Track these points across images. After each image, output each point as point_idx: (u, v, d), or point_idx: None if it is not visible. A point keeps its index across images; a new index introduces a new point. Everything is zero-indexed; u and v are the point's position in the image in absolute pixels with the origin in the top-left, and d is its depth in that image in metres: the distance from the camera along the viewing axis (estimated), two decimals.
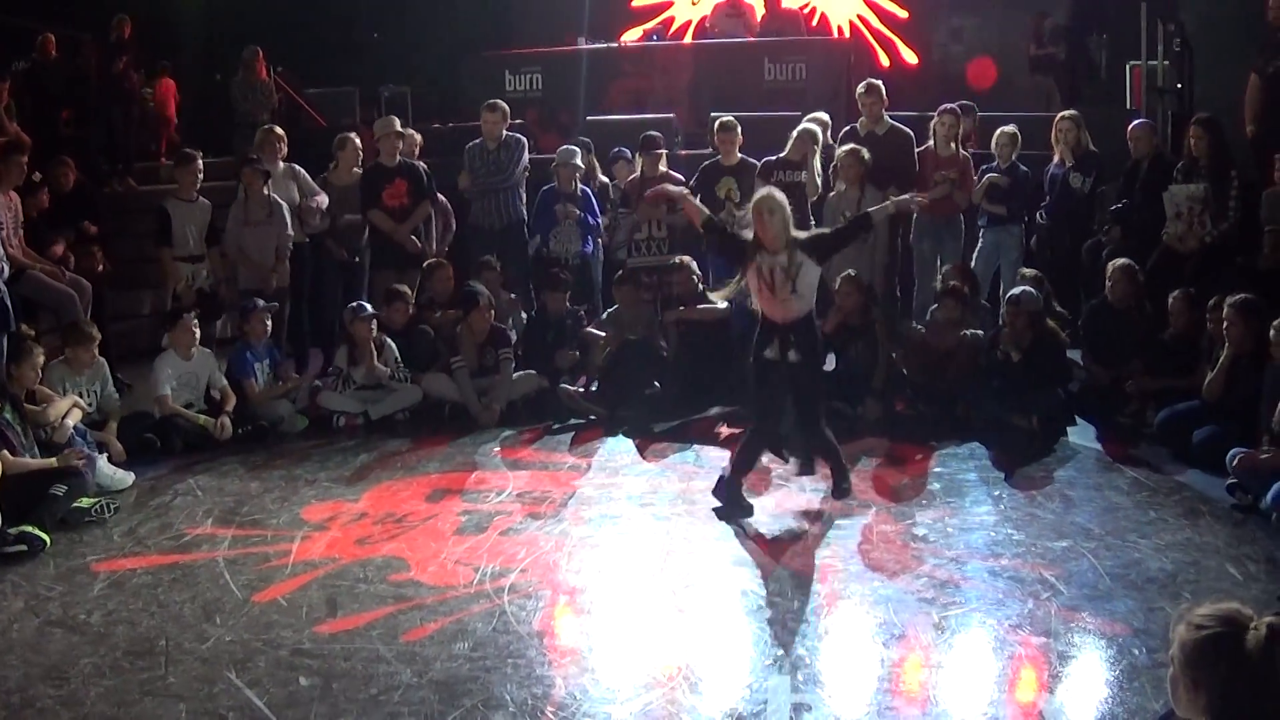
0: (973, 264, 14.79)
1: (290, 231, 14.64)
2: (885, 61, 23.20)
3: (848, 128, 15.27)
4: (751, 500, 10.30)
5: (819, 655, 7.57)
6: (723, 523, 10.00)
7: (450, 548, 9.49)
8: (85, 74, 19.84)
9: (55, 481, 10.18)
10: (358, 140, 15.73)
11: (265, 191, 14.49)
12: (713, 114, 17.13)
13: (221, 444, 12.57)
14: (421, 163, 15.53)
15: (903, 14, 23.89)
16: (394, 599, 8.48)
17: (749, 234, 10.15)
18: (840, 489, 10.53)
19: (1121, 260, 13.10)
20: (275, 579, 8.93)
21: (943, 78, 22.60)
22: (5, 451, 10.29)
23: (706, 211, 10.96)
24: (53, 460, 10.60)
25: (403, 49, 24.50)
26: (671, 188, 11.56)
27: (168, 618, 8.28)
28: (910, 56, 23.56)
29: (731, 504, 10.22)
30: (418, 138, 16.38)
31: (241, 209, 14.54)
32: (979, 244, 15.04)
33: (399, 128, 15.29)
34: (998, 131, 15.06)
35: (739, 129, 14.90)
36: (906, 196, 11.93)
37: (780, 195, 10.18)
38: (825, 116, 15.39)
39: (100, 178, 18.49)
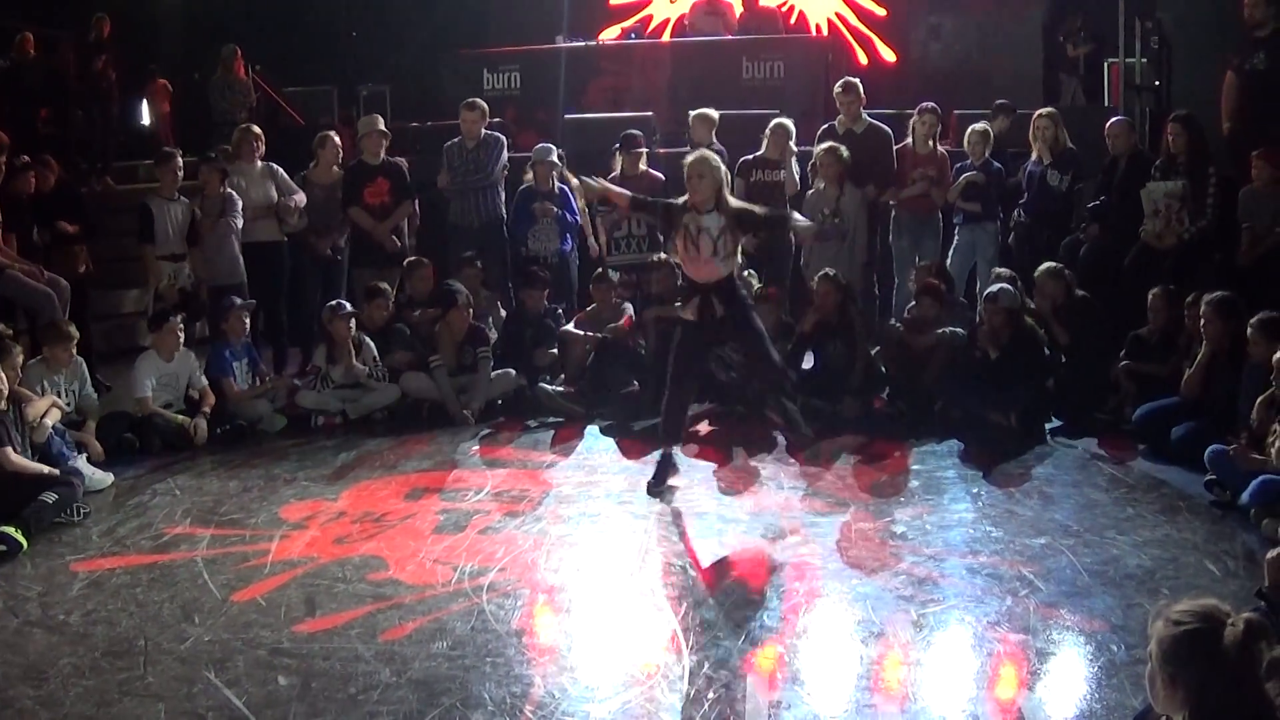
0: (948, 262, 14.81)
1: (239, 221, 14.59)
2: (864, 60, 23.17)
3: (826, 125, 15.29)
4: (730, 499, 10.37)
5: (798, 653, 7.59)
6: (701, 520, 10.01)
7: (429, 546, 9.47)
8: (63, 73, 19.81)
9: (46, 488, 10.17)
10: (337, 139, 15.71)
11: (221, 188, 14.44)
12: (691, 113, 17.14)
13: (200, 444, 12.54)
14: (402, 159, 15.55)
15: (881, 12, 23.87)
16: (372, 598, 8.46)
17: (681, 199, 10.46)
18: (799, 439, 11.12)
19: (1049, 264, 13.20)
20: (254, 578, 8.91)
21: (921, 76, 22.60)
22: (10, 449, 10.29)
23: (629, 193, 11.24)
24: (55, 470, 10.61)
25: (381, 48, 24.48)
26: (593, 184, 11.51)
27: (146, 617, 8.26)
28: (888, 54, 23.54)
29: (662, 470, 10.68)
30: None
31: (198, 206, 14.48)
32: (954, 241, 15.06)
33: (382, 126, 15.29)
34: (969, 129, 15.09)
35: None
36: (810, 225, 11.92)
37: (715, 159, 10.54)
38: (788, 121, 15.33)
39: (79, 177, 18.42)
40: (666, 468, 10.80)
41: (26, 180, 14.43)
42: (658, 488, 10.67)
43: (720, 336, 10.88)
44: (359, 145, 15.34)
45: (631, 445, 12.22)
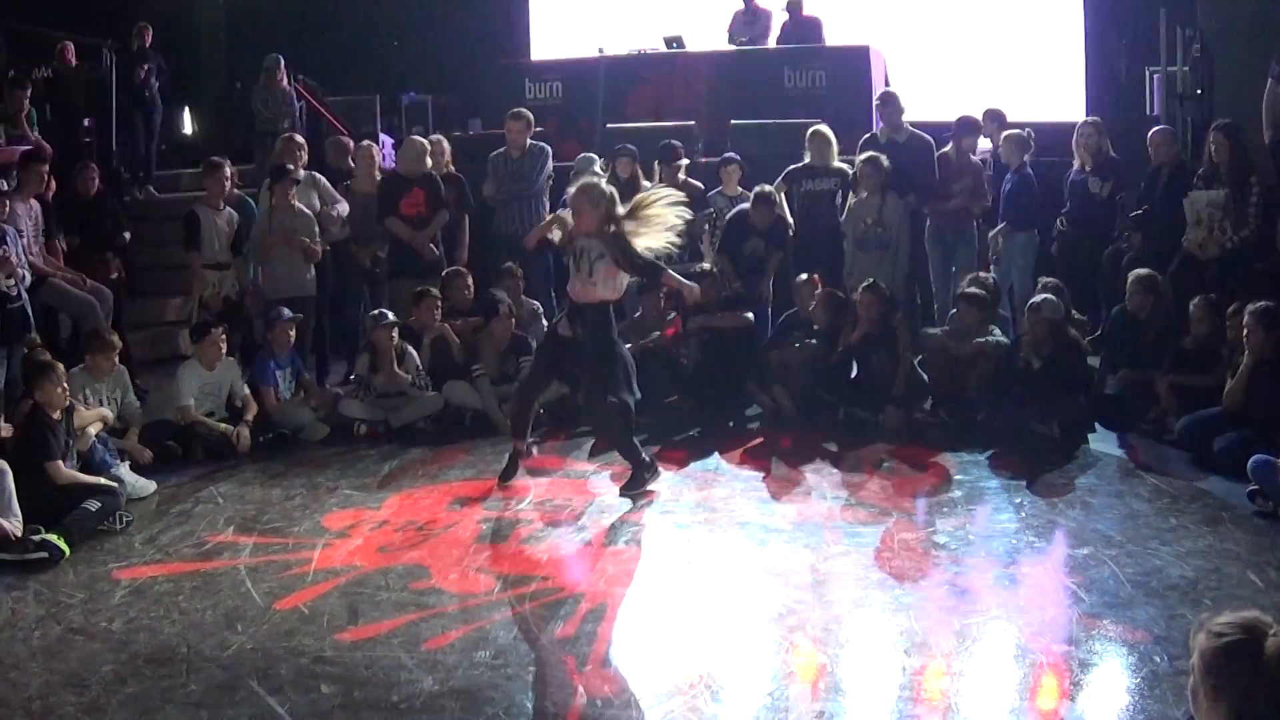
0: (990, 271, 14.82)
1: (319, 242, 14.59)
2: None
3: (867, 135, 15.28)
4: (772, 509, 10.43)
5: (840, 663, 7.58)
6: (743, 530, 10.01)
7: (472, 555, 9.49)
8: (106, 82, 19.87)
9: (89, 495, 10.22)
10: (377, 150, 15.76)
11: (293, 201, 14.46)
12: (733, 122, 17.14)
13: (243, 452, 12.58)
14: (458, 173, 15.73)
15: None
16: (415, 607, 8.47)
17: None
18: (632, 485, 10.98)
19: (1141, 270, 13.08)
20: (297, 587, 8.93)
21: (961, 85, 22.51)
22: (60, 462, 10.35)
23: (559, 217, 11.31)
24: (101, 479, 10.66)
25: (423, 57, 24.48)
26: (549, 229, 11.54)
27: (189, 625, 8.29)
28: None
29: (508, 467, 11.41)
30: (446, 145, 16.46)
31: (268, 219, 14.49)
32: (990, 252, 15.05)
33: (427, 143, 15.42)
34: (1003, 136, 15.07)
35: (780, 198, 14.85)
36: (691, 285, 11.64)
37: (606, 189, 10.80)
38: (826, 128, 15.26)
39: (121, 186, 18.48)
40: (514, 463, 11.43)
41: (83, 184, 14.57)
42: (504, 483, 11.26)
43: (574, 356, 11.05)
44: (398, 157, 15.39)
45: (673, 455, 12.17)
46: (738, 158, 15.90)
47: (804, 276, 14.03)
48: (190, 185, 18.12)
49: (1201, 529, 9.73)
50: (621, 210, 10.61)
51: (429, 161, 15.35)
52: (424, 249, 14.91)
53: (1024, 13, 22.69)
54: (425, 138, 16.13)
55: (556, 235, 11.10)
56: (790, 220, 14.78)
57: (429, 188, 15.08)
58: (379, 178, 15.54)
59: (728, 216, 14.88)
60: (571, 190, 10.96)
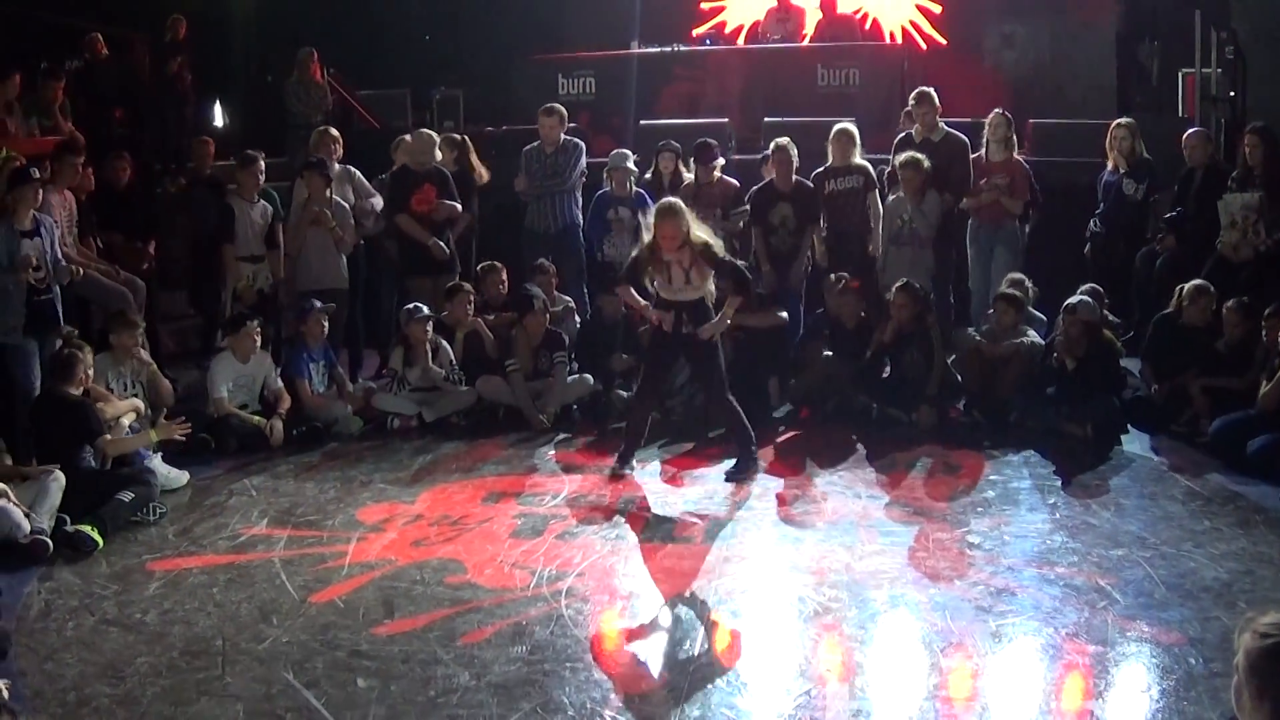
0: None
1: (351, 234, 14.63)
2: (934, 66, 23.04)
3: (903, 134, 15.22)
4: (807, 508, 10.54)
5: (875, 662, 7.60)
6: (778, 529, 10.04)
7: (507, 551, 9.50)
8: (137, 74, 19.90)
9: (123, 486, 10.26)
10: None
11: (328, 194, 14.47)
12: (766, 119, 17.12)
13: (276, 445, 12.61)
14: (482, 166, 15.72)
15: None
16: (451, 601, 8.50)
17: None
18: (739, 471, 11.34)
19: (1198, 281, 13.02)
20: (332, 580, 8.97)
21: (994, 84, 22.47)
22: (105, 436, 10.42)
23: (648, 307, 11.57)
24: (153, 433, 10.92)
25: (455, 51, 24.49)
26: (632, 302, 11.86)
27: (224, 617, 8.32)
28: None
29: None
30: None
31: (303, 210, 14.50)
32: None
33: (436, 135, 15.51)
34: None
35: (794, 151, 14.71)
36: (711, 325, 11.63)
37: (681, 207, 11.25)
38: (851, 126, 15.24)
39: (152, 178, 18.51)
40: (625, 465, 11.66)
41: (114, 174, 14.66)
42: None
43: (685, 352, 11.61)
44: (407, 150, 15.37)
45: (708, 452, 12.17)
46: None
47: (833, 277, 14.01)
48: (223, 179, 18.12)
49: (1235, 531, 9.74)
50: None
51: (439, 155, 15.26)
52: (433, 247, 14.82)
53: (1057, 13, 22.72)
54: (454, 133, 16.10)
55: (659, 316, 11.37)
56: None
57: (440, 182, 14.98)
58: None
59: (752, 190, 14.95)
60: (651, 216, 11.27)
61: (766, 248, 14.66)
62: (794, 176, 14.61)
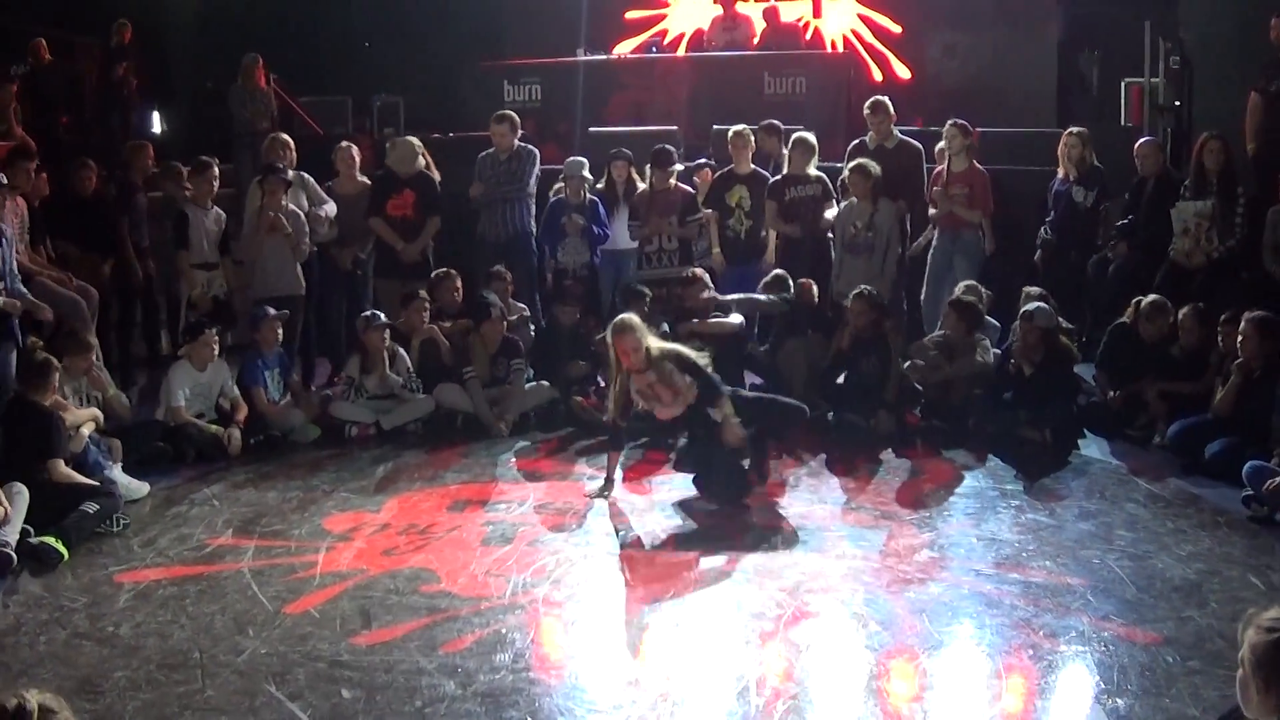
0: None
1: (307, 241, 14.55)
2: (878, 76, 23.10)
3: (856, 141, 15.28)
4: (774, 511, 10.61)
5: (845, 668, 7.66)
6: (751, 535, 10.08)
7: (479, 559, 9.48)
8: (83, 78, 19.80)
9: (88, 498, 10.18)
10: (355, 150, 15.73)
11: (284, 201, 14.40)
12: (715, 128, 17.19)
13: (235, 454, 12.54)
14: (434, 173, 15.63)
15: (896, 29, 23.82)
16: (428, 610, 8.47)
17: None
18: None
19: (1154, 297, 13.06)
20: (305, 590, 8.91)
21: (937, 94, 22.56)
22: (60, 461, 10.33)
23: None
24: (95, 482, 10.63)
25: (397, 58, 24.42)
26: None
27: (199, 629, 8.26)
28: (904, 72, 23.48)
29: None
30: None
31: (258, 217, 14.42)
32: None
33: (418, 141, 15.47)
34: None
35: (753, 139, 15.21)
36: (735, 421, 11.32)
37: (636, 321, 11.02)
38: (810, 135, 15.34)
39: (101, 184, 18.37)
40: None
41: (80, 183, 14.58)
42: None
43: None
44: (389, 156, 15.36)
45: (667, 458, 12.10)
46: (713, 162, 16.27)
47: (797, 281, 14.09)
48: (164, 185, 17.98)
49: (1199, 533, 9.88)
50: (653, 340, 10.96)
51: (421, 161, 15.28)
52: (406, 252, 14.84)
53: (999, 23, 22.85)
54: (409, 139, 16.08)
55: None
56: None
57: (421, 189, 15.02)
58: (359, 181, 15.48)
59: (772, 180, 15.11)
60: (608, 335, 11.03)
61: (721, 231, 15.01)
62: (751, 165, 14.98)
